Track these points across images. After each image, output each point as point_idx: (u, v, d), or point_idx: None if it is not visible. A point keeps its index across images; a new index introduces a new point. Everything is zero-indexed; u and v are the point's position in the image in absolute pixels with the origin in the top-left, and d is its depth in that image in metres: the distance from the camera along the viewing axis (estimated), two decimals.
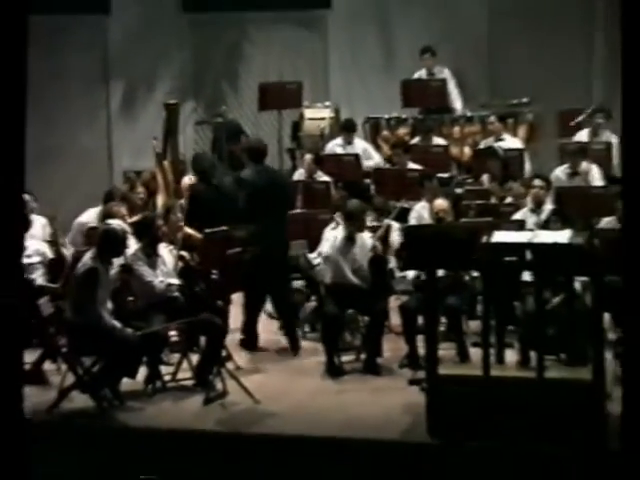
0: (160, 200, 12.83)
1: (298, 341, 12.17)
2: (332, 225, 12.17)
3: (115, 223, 11.28)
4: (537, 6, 16.38)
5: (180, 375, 11.14)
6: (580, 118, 14.48)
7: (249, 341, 12.18)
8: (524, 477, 9.04)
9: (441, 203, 12.24)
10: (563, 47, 16.52)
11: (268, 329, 12.77)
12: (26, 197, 11.90)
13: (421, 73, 15.77)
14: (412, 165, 14.00)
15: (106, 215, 12.05)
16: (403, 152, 14.37)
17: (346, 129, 14.93)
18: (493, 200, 13.24)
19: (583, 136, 14.47)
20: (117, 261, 11.06)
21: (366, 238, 11.70)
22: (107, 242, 10.77)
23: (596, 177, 13.61)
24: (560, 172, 13.80)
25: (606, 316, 10.36)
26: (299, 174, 14.23)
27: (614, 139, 14.18)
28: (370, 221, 12.20)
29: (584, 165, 13.60)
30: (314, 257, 12.19)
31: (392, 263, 11.83)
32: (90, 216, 12.78)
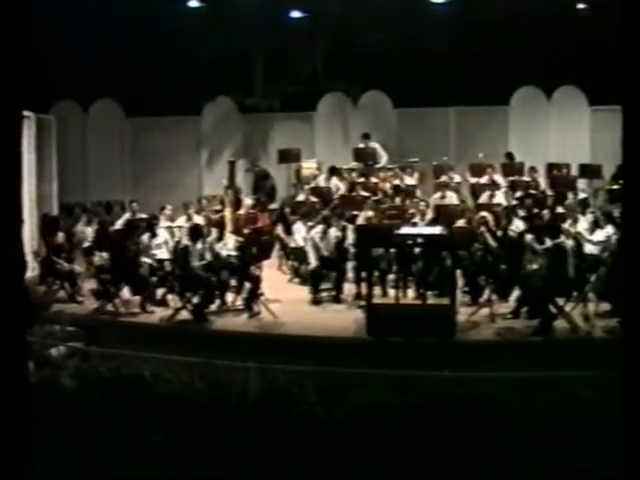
0: (227, 211, 12.59)
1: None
2: (321, 225, 12.01)
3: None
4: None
5: (236, 302, 11.17)
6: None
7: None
8: (415, 356, 8.96)
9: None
10: (439, 130, 16.35)
11: (282, 280, 12.72)
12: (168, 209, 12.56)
13: (362, 145, 15.20)
14: (363, 193, 13.74)
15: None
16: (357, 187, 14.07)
17: (331, 172, 14.53)
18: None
19: (444, 178, 14.28)
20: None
21: (333, 231, 11.75)
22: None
23: (453, 200, 13.47)
24: (436, 197, 13.67)
25: (458, 271, 10.64)
26: (300, 197, 13.92)
27: (457, 178, 14.33)
28: (335, 221, 11.96)
29: (447, 193, 13.59)
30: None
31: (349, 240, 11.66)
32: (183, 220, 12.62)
